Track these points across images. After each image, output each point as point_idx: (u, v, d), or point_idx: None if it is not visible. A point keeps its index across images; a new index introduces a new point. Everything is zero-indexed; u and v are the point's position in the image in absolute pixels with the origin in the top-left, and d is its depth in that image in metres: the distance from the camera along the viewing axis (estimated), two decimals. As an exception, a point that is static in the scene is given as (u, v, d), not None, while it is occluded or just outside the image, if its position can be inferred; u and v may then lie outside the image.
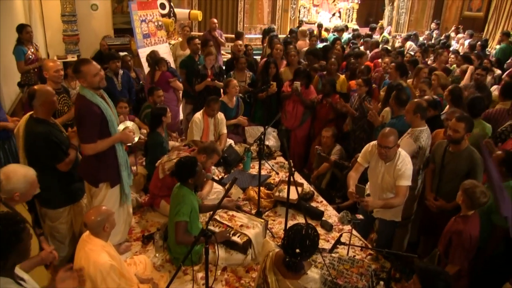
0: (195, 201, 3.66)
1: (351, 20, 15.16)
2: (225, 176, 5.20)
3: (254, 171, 5.39)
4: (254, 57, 8.20)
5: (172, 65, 7.60)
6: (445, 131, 4.16)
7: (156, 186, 4.44)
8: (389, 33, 13.84)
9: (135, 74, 6.92)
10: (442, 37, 11.99)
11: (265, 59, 7.33)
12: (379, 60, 7.80)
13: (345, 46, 9.70)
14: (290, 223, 3.71)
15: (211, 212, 3.16)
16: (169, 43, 8.53)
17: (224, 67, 7.43)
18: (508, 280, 3.45)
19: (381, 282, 3.50)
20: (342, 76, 6.54)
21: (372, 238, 4.51)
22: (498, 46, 10.22)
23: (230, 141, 5.82)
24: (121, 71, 6.31)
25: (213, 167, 5.02)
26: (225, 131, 5.66)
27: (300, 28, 10.32)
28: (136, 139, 4.31)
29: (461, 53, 8.69)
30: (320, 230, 4.29)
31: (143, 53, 7.55)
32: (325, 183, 5.54)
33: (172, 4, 9.45)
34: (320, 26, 11.60)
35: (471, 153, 3.85)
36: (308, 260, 2.90)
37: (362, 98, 5.64)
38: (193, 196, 3.65)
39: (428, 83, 5.38)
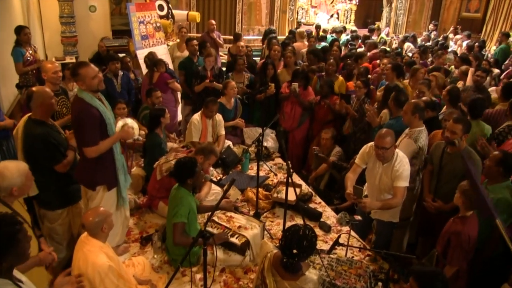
0: (193, 203, 3.66)
1: (349, 22, 15.18)
2: (224, 177, 5.20)
3: (252, 172, 5.39)
4: (253, 58, 8.21)
5: (170, 66, 7.61)
6: (443, 132, 4.16)
7: (154, 188, 4.45)
8: (387, 34, 13.86)
9: (134, 75, 6.92)
10: (440, 38, 12.01)
11: (263, 60, 7.35)
12: (377, 61, 7.81)
13: (343, 47, 9.73)
14: (289, 224, 3.72)
15: (209, 213, 3.16)
16: (167, 45, 8.53)
17: (224, 69, 7.43)
18: (506, 281, 3.46)
19: (380, 283, 3.49)
20: (341, 78, 6.55)
21: (371, 239, 4.51)
22: (494, 47, 10.23)
23: (228, 143, 5.82)
24: (120, 73, 6.33)
25: (211, 168, 5.02)
26: (223, 132, 5.66)
27: (298, 30, 10.33)
28: (136, 133, 4.30)
29: (459, 54, 8.71)
30: (318, 231, 4.29)
31: (141, 54, 7.56)
32: (323, 184, 5.55)
33: (170, 5, 9.45)
34: (318, 27, 11.62)
35: (469, 154, 3.85)
36: (307, 261, 2.90)
37: (361, 99, 5.65)
38: (191, 198, 3.65)
39: (427, 84, 5.38)
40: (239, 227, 3.97)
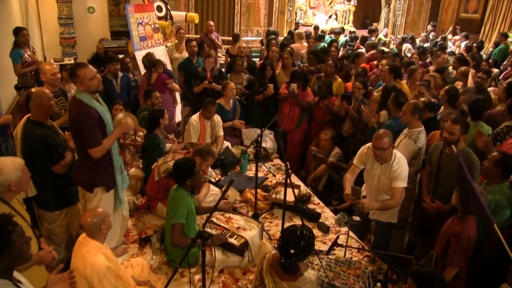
0: (192, 203, 3.65)
1: (348, 22, 15.20)
2: (222, 178, 5.20)
3: (251, 173, 5.39)
4: (253, 59, 8.23)
5: (169, 67, 7.62)
6: (441, 132, 4.17)
7: (153, 189, 4.45)
8: (386, 35, 13.88)
9: (133, 76, 6.93)
10: (439, 39, 12.03)
11: (261, 61, 7.36)
12: (374, 62, 7.83)
13: (341, 48, 9.76)
14: (287, 225, 3.71)
15: (208, 214, 3.16)
16: (166, 46, 8.54)
17: (224, 70, 7.44)
18: (504, 281, 3.46)
19: (378, 284, 3.50)
20: (339, 79, 6.55)
21: (369, 240, 4.52)
22: (491, 48, 10.26)
23: (227, 144, 5.82)
24: (120, 74, 6.33)
25: (210, 169, 5.02)
26: (221, 133, 5.66)
27: (296, 31, 10.36)
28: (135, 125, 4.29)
29: (456, 55, 8.72)
30: (317, 232, 4.29)
31: (139, 55, 7.56)
32: (322, 185, 5.55)
33: (168, 6, 9.46)
34: (316, 28, 11.63)
35: (468, 154, 3.85)
36: (305, 262, 2.90)
37: (360, 100, 5.66)
38: (190, 198, 3.65)
39: (426, 85, 5.39)
40: (238, 228, 3.96)
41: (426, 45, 11.20)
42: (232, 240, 3.78)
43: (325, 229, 4.36)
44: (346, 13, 15.24)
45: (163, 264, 3.78)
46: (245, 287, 3.55)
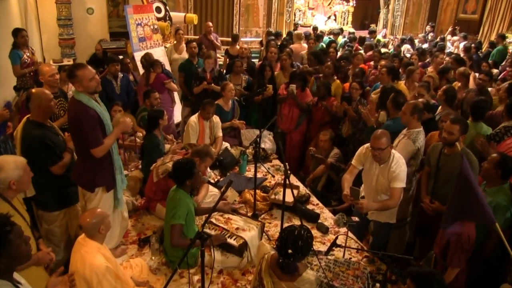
0: (191, 204, 3.66)
1: (347, 23, 15.23)
2: (221, 179, 5.21)
3: (250, 174, 5.39)
4: (252, 60, 8.24)
5: (168, 67, 7.64)
6: (440, 132, 4.17)
7: (151, 190, 4.45)
8: (384, 36, 13.91)
9: (133, 77, 6.94)
10: (438, 39, 12.05)
11: (260, 62, 7.37)
12: (371, 63, 7.86)
13: (340, 49, 9.78)
14: (286, 225, 3.71)
15: (207, 215, 3.16)
16: (165, 47, 8.55)
17: (224, 70, 7.45)
18: (504, 282, 3.47)
19: (377, 284, 3.50)
20: (337, 81, 6.56)
21: (368, 240, 4.52)
22: (488, 49, 10.27)
23: (226, 144, 5.83)
24: (120, 74, 6.33)
25: (209, 170, 5.03)
26: (220, 134, 5.67)
27: (295, 32, 10.38)
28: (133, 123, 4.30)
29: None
30: (316, 233, 4.29)
31: (138, 56, 7.57)
32: (320, 185, 5.55)
33: (167, 7, 9.47)
34: (315, 29, 11.66)
35: (466, 155, 3.85)
36: (304, 263, 2.91)
37: (357, 100, 5.67)
38: (189, 199, 3.65)
39: (426, 87, 5.38)
40: (237, 228, 3.96)
41: (425, 45, 11.23)
42: (231, 241, 3.78)
43: (324, 230, 4.36)
44: (345, 14, 15.27)
45: (162, 265, 3.78)
46: (244, 288, 3.56)
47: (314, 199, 5.00)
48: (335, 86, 6.39)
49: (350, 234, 3.83)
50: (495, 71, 8.07)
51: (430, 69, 7.69)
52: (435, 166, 4.05)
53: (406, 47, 10.70)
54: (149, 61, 6.64)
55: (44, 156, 3.53)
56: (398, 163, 3.74)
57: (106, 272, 2.82)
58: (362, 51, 8.86)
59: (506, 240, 3.17)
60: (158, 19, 8.72)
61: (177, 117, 7.58)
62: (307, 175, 5.84)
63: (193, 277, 3.52)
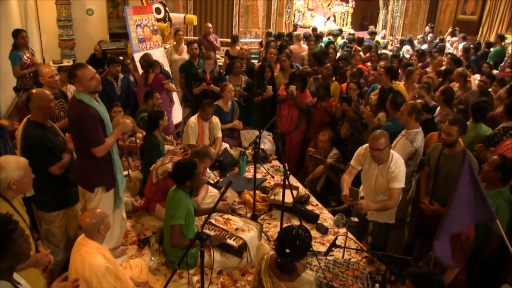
0: (191, 205, 3.66)
1: (346, 24, 15.24)
2: (221, 179, 5.21)
3: (249, 174, 5.40)
4: (251, 61, 8.26)
5: (167, 68, 7.65)
6: (439, 133, 4.18)
7: (151, 191, 4.45)
8: (384, 37, 13.92)
9: (133, 78, 6.96)
10: (437, 40, 12.08)
11: (259, 63, 7.38)
12: (368, 64, 7.88)
13: (340, 50, 9.79)
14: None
15: (206, 216, 3.17)
16: (164, 48, 8.57)
17: (224, 71, 7.47)
18: (503, 282, 3.47)
19: (377, 285, 3.50)
20: (335, 82, 6.58)
21: (368, 241, 4.53)
22: (492, 49, 10.28)
23: (226, 145, 5.83)
24: (121, 75, 6.34)
25: (208, 171, 5.03)
26: (220, 135, 5.68)
27: (295, 33, 10.40)
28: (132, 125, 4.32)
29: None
30: (315, 233, 4.30)
31: (138, 57, 7.58)
32: (320, 186, 5.56)
33: (167, 8, 9.48)
34: (314, 30, 11.68)
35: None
36: (303, 263, 2.91)
37: (355, 101, 5.69)
38: (189, 200, 3.65)
39: (426, 88, 5.38)
40: (236, 229, 3.97)
41: (424, 46, 11.25)
42: (230, 241, 3.79)
43: (324, 230, 4.36)
44: (344, 14, 15.29)
45: (161, 265, 3.78)
46: (244, 288, 3.56)
47: (313, 199, 5.01)
48: (333, 87, 6.40)
49: (349, 234, 3.83)
50: (494, 72, 8.08)
51: (429, 69, 7.71)
52: (435, 167, 4.06)
53: (406, 48, 10.72)
54: (148, 62, 6.66)
55: (43, 156, 3.54)
56: (397, 163, 3.74)
57: (105, 272, 2.82)
58: (361, 52, 8.87)
59: (504, 250, 3.16)
60: (158, 20, 8.73)
61: (177, 117, 7.60)
62: (307, 175, 5.84)
63: (193, 278, 3.53)
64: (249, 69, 7.27)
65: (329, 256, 3.67)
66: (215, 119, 5.63)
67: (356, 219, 3.61)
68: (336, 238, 3.55)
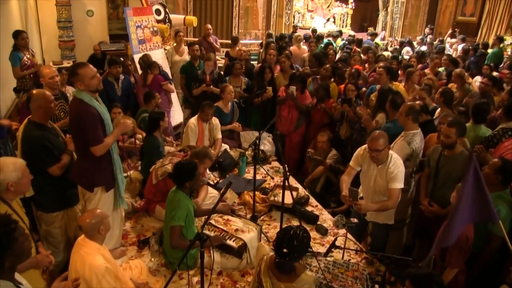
0: (191, 206, 3.67)
1: (346, 26, 15.27)
2: (220, 181, 5.22)
3: (249, 175, 5.41)
4: (251, 62, 8.27)
5: (167, 69, 7.66)
6: (439, 135, 4.18)
7: (151, 192, 4.46)
8: (383, 38, 13.94)
9: (134, 79, 6.97)
10: (436, 42, 12.08)
11: (259, 64, 7.39)
12: (366, 65, 7.89)
13: (340, 51, 9.81)
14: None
15: (206, 217, 3.17)
16: (164, 49, 8.58)
17: (222, 72, 7.49)
18: (503, 283, 3.47)
19: (376, 286, 3.51)
20: (333, 83, 6.59)
21: (367, 242, 4.53)
22: (490, 51, 10.31)
23: (225, 146, 5.84)
24: (122, 76, 6.35)
25: (208, 172, 5.04)
26: (219, 136, 5.68)
27: (295, 34, 10.41)
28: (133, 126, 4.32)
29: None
30: (315, 234, 4.31)
31: (138, 58, 7.59)
32: (319, 187, 5.56)
33: (167, 10, 9.49)
34: (314, 31, 11.69)
35: (465, 158, 3.87)
36: (303, 264, 2.92)
37: (353, 101, 5.70)
38: (189, 201, 3.66)
39: (428, 90, 5.38)
40: (236, 230, 3.97)
41: (423, 48, 11.27)
42: (230, 242, 3.79)
43: (323, 231, 4.37)
44: (344, 16, 15.32)
45: (161, 266, 3.79)
46: (243, 289, 3.56)
47: (313, 200, 5.02)
48: (331, 88, 6.41)
49: (349, 235, 3.84)
50: (494, 73, 8.10)
51: (427, 71, 7.72)
52: (435, 168, 4.07)
53: (406, 49, 10.74)
54: (147, 63, 6.68)
55: (43, 157, 3.55)
56: (396, 164, 3.75)
57: (105, 273, 2.82)
58: (361, 53, 8.89)
59: (503, 251, 3.16)
60: (158, 21, 8.74)
61: (178, 119, 7.61)
62: (306, 177, 5.84)
63: (193, 279, 3.53)
64: (248, 70, 7.28)
65: (328, 257, 3.68)
66: (215, 120, 5.64)
67: (355, 220, 3.61)
68: (335, 239, 3.56)
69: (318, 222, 4.51)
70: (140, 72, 7.19)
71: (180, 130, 7.22)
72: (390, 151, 3.83)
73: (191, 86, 6.73)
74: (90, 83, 3.39)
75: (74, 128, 3.50)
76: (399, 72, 7.12)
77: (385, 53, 9.90)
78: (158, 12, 9.00)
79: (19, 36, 6.07)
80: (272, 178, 5.43)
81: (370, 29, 14.25)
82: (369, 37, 11.64)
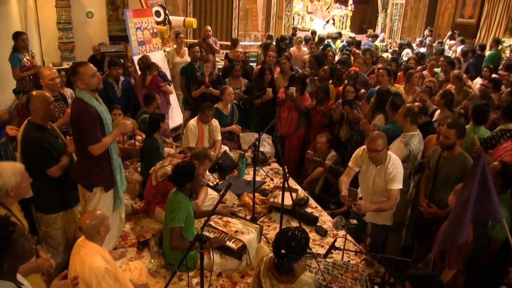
0: (191, 207, 3.67)
1: (345, 27, 15.29)
2: (220, 182, 5.22)
3: (249, 177, 5.41)
4: (250, 64, 8.28)
5: (167, 71, 7.67)
6: (438, 136, 4.19)
7: (150, 193, 4.46)
8: (383, 40, 13.96)
9: (134, 80, 6.98)
10: (435, 44, 12.10)
11: (259, 66, 7.40)
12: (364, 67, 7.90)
13: (339, 53, 9.83)
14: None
15: (206, 218, 3.18)
16: (164, 50, 8.59)
17: (221, 73, 7.50)
18: (502, 284, 3.48)
19: (376, 287, 3.52)
20: (331, 85, 6.59)
21: (366, 243, 4.53)
22: (479, 52, 10.33)
23: (225, 148, 5.84)
24: (122, 78, 6.36)
25: (208, 173, 5.04)
26: (219, 137, 5.69)
27: (296, 36, 10.43)
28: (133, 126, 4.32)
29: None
30: (314, 236, 4.31)
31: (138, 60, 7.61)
32: (318, 188, 5.56)
33: (167, 11, 9.51)
34: (313, 33, 11.70)
35: (465, 159, 3.88)
36: (302, 265, 2.92)
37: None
38: (189, 202, 3.66)
39: (428, 92, 5.38)
40: (236, 231, 3.98)
41: (422, 49, 11.29)
42: (230, 244, 3.79)
43: (323, 233, 4.37)
44: (343, 18, 15.34)
45: (161, 268, 3.79)
46: (243, 290, 3.56)
47: (312, 202, 5.03)
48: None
49: (348, 237, 3.84)
50: (493, 76, 8.12)
51: (425, 72, 7.73)
52: (434, 169, 4.07)
53: (406, 51, 10.76)
54: (145, 64, 6.69)
55: (42, 158, 3.55)
56: (395, 164, 3.76)
57: (105, 274, 2.82)
58: (361, 55, 8.90)
59: (503, 252, 3.16)
60: (158, 23, 8.75)
61: (177, 120, 7.61)
62: (306, 178, 5.84)
63: (192, 280, 3.53)
64: (245, 72, 7.29)
65: (328, 258, 3.69)
66: (215, 122, 5.65)
67: (355, 221, 3.62)
68: (335, 240, 3.57)
69: (318, 224, 4.51)
70: (139, 73, 7.21)
71: (180, 131, 7.22)
72: (389, 152, 3.84)
73: (190, 87, 6.74)
74: (90, 82, 3.41)
75: (74, 127, 3.52)
76: (399, 74, 7.14)
77: (385, 55, 9.94)
78: (157, 13, 9.01)
79: (19, 38, 6.07)
80: (272, 179, 5.43)
81: (370, 31, 14.28)
82: (369, 39, 11.65)
